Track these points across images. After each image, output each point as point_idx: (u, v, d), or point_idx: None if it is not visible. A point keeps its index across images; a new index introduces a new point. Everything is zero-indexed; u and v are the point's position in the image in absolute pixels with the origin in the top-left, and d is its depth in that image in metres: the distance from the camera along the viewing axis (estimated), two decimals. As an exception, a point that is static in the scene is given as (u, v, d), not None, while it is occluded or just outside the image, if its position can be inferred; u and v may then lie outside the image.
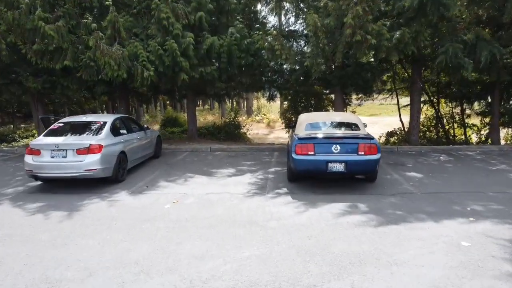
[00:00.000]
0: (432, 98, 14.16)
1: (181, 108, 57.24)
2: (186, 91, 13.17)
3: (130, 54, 9.90)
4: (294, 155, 6.50)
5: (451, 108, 15.14)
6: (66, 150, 6.69)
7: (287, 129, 14.97)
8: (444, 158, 9.51)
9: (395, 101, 16.40)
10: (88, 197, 6.32)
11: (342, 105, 12.11)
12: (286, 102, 15.01)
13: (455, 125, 14.84)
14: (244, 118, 29.43)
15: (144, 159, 8.94)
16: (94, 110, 19.00)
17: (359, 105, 14.05)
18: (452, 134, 14.54)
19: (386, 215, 5.14)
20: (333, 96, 14.24)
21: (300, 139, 6.54)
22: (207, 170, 8.37)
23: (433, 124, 14.91)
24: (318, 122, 7.36)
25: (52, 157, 6.66)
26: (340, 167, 6.28)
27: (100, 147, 6.84)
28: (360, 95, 13.06)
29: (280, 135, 22.13)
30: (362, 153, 6.33)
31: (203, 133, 15.20)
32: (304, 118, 7.68)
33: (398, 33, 9.13)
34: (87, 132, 7.27)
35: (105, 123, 7.51)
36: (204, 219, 5.09)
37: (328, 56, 9.85)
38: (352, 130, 7.15)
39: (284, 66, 11.68)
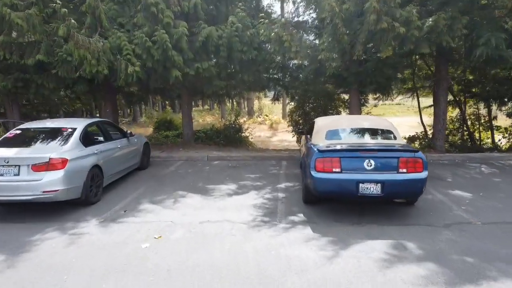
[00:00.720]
0: (457, 98, 12.65)
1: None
2: (181, 90, 11.65)
3: (112, 46, 8.40)
4: (313, 173, 4.99)
5: (475, 109, 13.64)
6: (19, 165, 5.17)
7: (295, 134, 13.41)
8: (487, 169, 7.99)
9: (407, 102, 14.96)
10: (43, 229, 4.80)
11: (358, 106, 10.61)
12: (292, 103, 13.48)
13: (480, 128, 13.33)
14: (245, 119, 27.95)
15: (127, 171, 7.44)
16: (73, 113, 17.37)
17: (375, 105, 12.55)
18: (478, 138, 13.03)
19: (452, 265, 3.62)
20: (345, 96, 12.75)
21: (321, 151, 5.03)
22: (202, 187, 6.86)
23: (455, 127, 13.40)
24: (342, 129, 5.83)
25: (1, 174, 5.15)
26: (375, 189, 4.77)
27: (64, 161, 5.32)
28: (377, 95, 11.55)
29: (284, 137, 20.61)
30: (404, 170, 4.82)
31: (200, 137, 13.66)
32: (323, 124, 6.15)
33: (430, 20, 7.61)
34: (50, 142, 5.75)
35: (74, 130, 5.99)
36: (194, 271, 3.58)
37: (346, 49, 8.33)
38: (387, 139, 5.63)
39: (293, 62, 10.14)
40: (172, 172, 8.11)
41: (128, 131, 7.67)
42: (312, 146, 5.55)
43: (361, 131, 5.77)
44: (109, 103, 11.22)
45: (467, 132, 12.88)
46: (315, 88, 11.31)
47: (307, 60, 8.77)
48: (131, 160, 7.54)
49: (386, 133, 5.72)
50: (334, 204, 5.57)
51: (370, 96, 12.06)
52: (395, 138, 5.62)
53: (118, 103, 14.22)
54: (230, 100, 22.49)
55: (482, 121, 13.38)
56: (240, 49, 9.25)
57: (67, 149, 5.54)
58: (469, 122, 13.24)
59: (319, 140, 5.65)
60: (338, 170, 4.90)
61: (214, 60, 9.75)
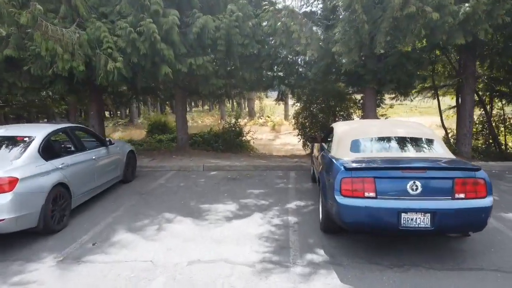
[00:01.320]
0: (483, 98, 11.41)
1: (190, 106, 54.49)
2: (174, 89, 10.43)
3: (91, 39, 7.17)
4: (338, 198, 3.75)
5: (498, 110, 12.41)
6: (-48, 188, 3.95)
7: (304, 140, 12.18)
8: (535, 183, 6.76)
9: (412, 101, 13.60)
10: (-25, 277, 3.57)
11: (374, 107, 9.36)
12: (298, 104, 12.25)
13: (506, 131, 12.09)
14: (245, 121, 26.74)
15: (105, 187, 6.20)
16: (65, 116, 16.11)
17: (391, 106, 11.31)
18: (504, 143, 11.79)
19: None
20: (357, 96, 11.52)
21: (348, 169, 3.79)
22: (195, 207, 5.62)
23: (478, 129, 12.15)
24: (370, 138, 4.57)
25: None
26: (423, 221, 3.53)
27: (13, 181, 4.09)
28: (395, 94, 10.31)
29: (287, 140, 19.38)
30: (462, 195, 3.58)
31: (197, 141, 12.42)
32: (346, 131, 4.89)
33: (467, 5, 6.37)
34: (-2, 155, 4.52)
35: (31, 139, 4.75)
36: None
37: (364, 40, 7.10)
38: (431, 151, 4.39)
39: (302, 57, 8.89)
40: (161, 186, 6.87)
41: (107, 138, 6.41)
42: (333, 160, 4.31)
43: (396, 141, 4.51)
44: (94, 104, 9.98)
45: (492, 137, 11.64)
46: (325, 87, 10.07)
47: (318, 54, 7.52)
48: (110, 173, 6.31)
49: (428, 144, 4.47)
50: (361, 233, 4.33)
51: (386, 96, 10.82)
52: (440, 149, 4.38)
53: (112, 104, 12.97)
54: (230, 101, 21.24)
55: (507, 123, 12.14)
56: (240, 42, 8.02)
57: (18, 165, 4.30)
58: (493, 124, 12.00)
59: (343, 152, 4.41)
60: (372, 194, 3.66)
61: (212, 56, 8.50)
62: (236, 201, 5.88)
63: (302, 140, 12.54)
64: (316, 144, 6.66)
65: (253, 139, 12.64)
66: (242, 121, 20.30)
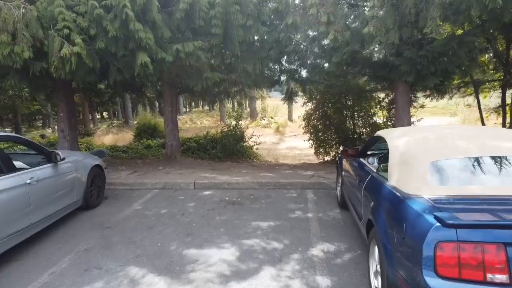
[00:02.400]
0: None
1: (190, 107, 52.47)
2: (162, 86, 8.64)
3: (43, 15, 5.36)
4: (430, 279, 1.95)
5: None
6: None
7: (316, 145, 10.40)
8: None
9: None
10: None
11: (408, 107, 7.55)
12: (310, 104, 10.42)
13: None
14: (247, 122, 24.91)
15: (50, 221, 4.39)
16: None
17: (422, 106, 9.48)
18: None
19: None
20: (380, 94, 9.70)
21: (450, 225, 1.96)
22: (176, 254, 3.81)
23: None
24: (464, 159, 2.69)
25: None
26: None
27: None
28: (430, 92, 8.48)
29: (294, 143, 17.56)
30: None
31: (191, 147, 10.64)
32: (414, 145, 2.96)
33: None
34: None
35: None
36: None
37: (409, 17, 5.28)
38: None
39: (319, 44, 7.02)
40: (134, 215, 5.06)
41: (56, 151, 4.58)
42: (403, 197, 2.50)
43: (507, 164, 2.67)
44: (63, 105, 8.17)
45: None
46: (345, 82, 8.26)
47: (343, 37, 5.71)
48: (60, 200, 4.49)
49: None
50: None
51: (419, 93, 8.97)
52: None
53: (89, 104, 11.16)
54: (231, 101, 19.32)
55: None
56: (241, 23, 6.22)
57: None
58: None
59: (417, 182, 2.56)
60: (503, 279, 1.86)
61: (205, 42, 6.68)
62: (236, 242, 4.07)
63: (314, 145, 10.72)
64: (344, 159, 4.85)
65: (256, 144, 10.82)
66: (243, 123, 18.56)
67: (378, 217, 2.76)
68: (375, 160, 4.25)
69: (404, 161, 2.80)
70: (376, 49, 5.89)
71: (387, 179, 2.96)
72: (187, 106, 54.94)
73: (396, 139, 3.20)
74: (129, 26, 5.39)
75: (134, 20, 5.40)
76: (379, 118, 9.89)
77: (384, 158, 3.94)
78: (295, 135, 20.26)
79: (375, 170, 3.41)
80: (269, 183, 6.44)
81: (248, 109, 29.70)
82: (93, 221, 4.84)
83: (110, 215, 5.04)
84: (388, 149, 3.29)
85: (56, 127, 23.43)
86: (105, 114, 43.04)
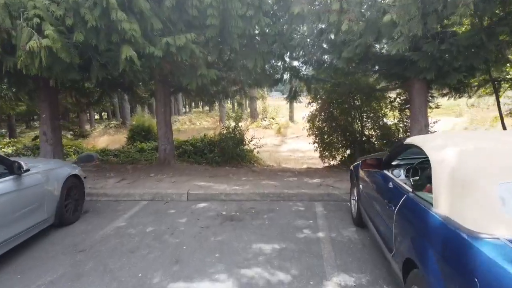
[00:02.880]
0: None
1: (190, 107, 51.62)
2: (154, 84, 7.92)
3: (11, 2, 4.64)
4: None
5: None
6: None
7: (321, 149, 9.71)
8: None
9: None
10: None
11: (425, 108, 6.82)
12: (314, 104, 9.69)
13: None
14: (247, 123, 24.18)
15: (13, 244, 3.66)
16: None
17: (437, 106, 8.73)
18: None
19: None
20: (391, 94, 8.97)
21: None
22: (158, 291, 3.09)
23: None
24: None
25: None
26: None
27: None
28: (448, 90, 7.74)
29: (296, 145, 16.86)
30: None
31: (187, 151, 9.91)
32: (472, 160, 2.14)
33: None
34: None
35: None
36: None
37: (436, 6, 4.56)
38: None
39: (328, 37, 6.27)
40: (115, 235, 4.32)
41: (20, 161, 3.84)
42: (467, 237, 1.76)
43: None
44: (45, 105, 7.45)
45: None
46: (356, 80, 7.54)
47: (358, 27, 4.98)
48: (23, 219, 3.76)
49: None
50: None
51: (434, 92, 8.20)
52: None
53: (75, 105, 10.44)
54: (230, 101, 18.48)
55: None
56: (241, 13, 5.49)
57: None
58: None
59: (484, 214, 1.82)
60: None
61: (200, 35, 5.96)
62: (233, 272, 3.34)
63: (319, 149, 10.00)
64: (361, 171, 4.12)
65: (257, 147, 10.09)
66: (243, 124, 17.85)
67: (426, 259, 2.03)
68: (401, 172, 3.53)
69: (459, 182, 2.06)
70: (392, 42, 5.14)
71: (431, 204, 2.23)
72: (187, 106, 54.25)
73: (439, 150, 2.46)
74: (111, 15, 4.67)
75: (116, 9, 4.67)
76: (390, 119, 9.17)
77: (415, 171, 3.22)
78: (297, 136, 19.56)
79: (411, 190, 2.67)
80: (272, 193, 5.70)
81: (249, 110, 28.96)
82: (66, 242, 4.11)
83: (87, 234, 4.31)
84: (426, 161, 2.57)
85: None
86: (104, 114, 42.38)
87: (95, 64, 5.61)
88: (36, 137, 23.21)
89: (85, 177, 5.09)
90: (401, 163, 3.63)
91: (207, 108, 45.71)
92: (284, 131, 21.03)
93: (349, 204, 5.13)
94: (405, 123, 8.71)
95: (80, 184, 4.93)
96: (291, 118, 25.58)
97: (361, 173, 4.14)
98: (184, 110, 49.85)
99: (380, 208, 3.17)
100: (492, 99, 10.51)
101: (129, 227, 4.53)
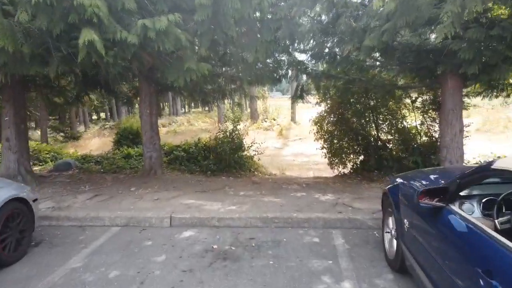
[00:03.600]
0: None
1: (189, 107, 50.36)
2: (138, 80, 6.78)
3: None
4: None
5: None
6: None
7: (330, 155, 8.58)
8: None
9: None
10: None
11: (460, 108, 5.66)
12: (323, 105, 8.53)
13: None
14: (247, 124, 23.01)
15: None
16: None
17: (466, 108, 7.56)
18: None
19: None
20: (412, 93, 7.78)
21: None
22: None
23: None
24: None
25: None
26: None
27: None
28: (484, 88, 6.58)
29: (299, 148, 15.71)
30: None
31: (179, 157, 8.76)
32: None
33: None
34: None
35: None
36: None
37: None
38: None
39: (349, 23, 5.08)
40: (64, 284, 3.16)
41: None
42: None
43: None
44: (9, 105, 6.31)
45: None
46: (372, 78, 6.38)
47: (395, 4, 3.84)
48: None
49: None
50: None
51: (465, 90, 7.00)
52: None
53: (47, 106, 9.27)
54: (228, 100, 17.04)
55: None
56: (238, -10, 4.33)
57: None
58: None
59: None
60: None
61: (191, 17, 4.80)
62: None
63: (328, 155, 8.84)
64: (402, 198, 2.97)
65: (258, 153, 8.93)
66: (243, 126, 16.67)
67: None
68: (475, 207, 2.37)
69: None
70: (445, 23, 3.97)
71: None
72: (186, 106, 53.02)
73: None
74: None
75: (72, -21, 3.52)
76: (408, 121, 7.98)
77: (500, 206, 2.07)
78: (300, 139, 18.41)
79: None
80: (277, 218, 4.53)
81: (249, 110, 27.78)
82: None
83: (26, 283, 3.15)
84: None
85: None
86: (102, 115, 41.19)
87: (55, 55, 4.44)
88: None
89: (35, 200, 3.93)
90: (472, 193, 2.47)
91: (207, 108, 44.56)
92: (286, 133, 19.86)
93: (377, 234, 3.97)
94: (430, 127, 7.55)
95: (27, 211, 3.76)
96: (293, 119, 24.39)
97: (402, 200, 2.98)
98: (183, 110, 48.68)
99: (456, 266, 2.01)
100: (498, 100, 9.29)
101: (86, 271, 3.37)
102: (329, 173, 10.41)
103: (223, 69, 7.06)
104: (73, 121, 22.24)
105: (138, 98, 6.91)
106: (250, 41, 5.43)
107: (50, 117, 25.26)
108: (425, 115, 7.62)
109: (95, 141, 19.73)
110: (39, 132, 23.33)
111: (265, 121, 23.28)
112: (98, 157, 9.29)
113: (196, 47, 5.39)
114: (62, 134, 20.74)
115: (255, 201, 5.30)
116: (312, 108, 9.27)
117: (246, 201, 5.33)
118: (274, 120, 23.71)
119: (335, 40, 5.43)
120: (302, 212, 4.68)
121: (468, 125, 6.80)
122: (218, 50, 6.46)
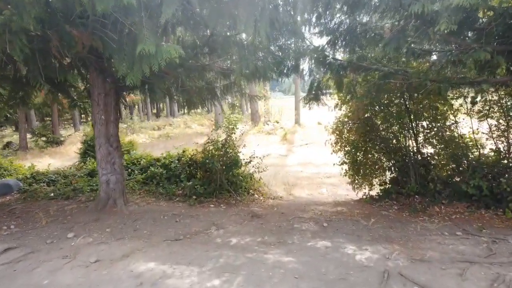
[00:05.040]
0: None
1: (183, 110, 48.35)
2: (89, 73, 4.77)
3: None
4: None
5: None
6: None
7: (352, 173, 6.63)
8: None
9: None
10: None
11: None
12: (344, 108, 6.53)
13: None
14: (247, 127, 20.97)
15: None
16: None
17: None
18: None
19: None
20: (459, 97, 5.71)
21: None
22: None
23: None
24: None
25: None
26: None
27: None
28: None
29: (307, 156, 13.64)
30: None
31: (156, 176, 6.74)
32: None
33: None
34: None
35: None
36: None
37: None
38: None
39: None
40: None
41: None
42: None
43: None
44: None
45: None
46: (423, 69, 4.35)
47: None
48: None
49: None
50: None
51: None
52: None
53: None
54: (219, 102, 14.42)
55: None
56: None
57: None
58: None
59: None
60: None
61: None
62: None
63: (349, 173, 6.83)
64: None
65: (258, 171, 6.90)
66: (241, 128, 14.66)
67: None
68: None
69: None
70: None
71: None
72: (185, 107, 50.98)
73: None
74: None
75: None
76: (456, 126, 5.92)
77: None
78: (307, 144, 16.37)
79: None
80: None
81: (250, 111, 25.72)
82: None
83: None
84: None
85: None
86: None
87: None
88: (8, 144, 20.02)
89: None
90: None
91: (207, 109, 42.51)
92: (291, 137, 17.79)
93: None
94: (493, 135, 5.49)
95: None
96: (297, 121, 22.35)
97: None
98: (181, 112, 46.65)
99: None
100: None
101: None
102: (344, 189, 8.42)
103: (208, 58, 5.03)
104: (55, 124, 20.24)
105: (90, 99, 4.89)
106: (247, 9, 3.41)
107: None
108: (482, 121, 5.56)
109: (79, 147, 17.72)
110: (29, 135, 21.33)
111: (267, 124, 21.22)
112: (55, 175, 7.26)
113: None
114: (44, 138, 18.74)
115: (254, 264, 3.27)
116: (318, 109, 7.23)
117: (239, 263, 3.31)
118: (277, 122, 21.63)
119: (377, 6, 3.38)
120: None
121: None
122: (200, 29, 4.45)
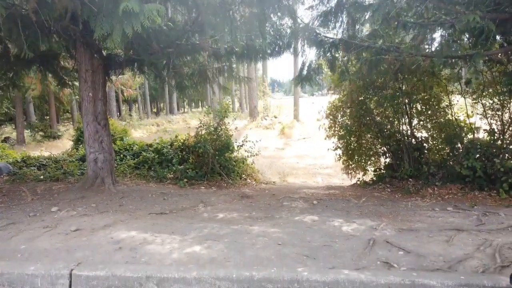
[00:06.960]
0: None
1: (189, 107, 48.00)
2: (76, 47, 4.71)
3: None
4: None
5: None
6: None
7: (346, 158, 6.56)
8: None
9: None
10: None
11: None
12: (340, 92, 6.46)
13: None
14: (245, 122, 20.93)
15: None
16: None
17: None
18: None
19: None
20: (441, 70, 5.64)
21: None
22: None
23: None
24: None
25: None
26: None
27: None
28: None
29: (304, 149, 13.56)
30: None
31: (148, 160, 6.68)
32: None
33: None
34: None
35: None
36: None
37: None
38: None
39: None
40: None
41: None
42: None
43: None
44: None
45: None
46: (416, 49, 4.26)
47: None
48: None
49: None
50: None
51: None
52: None
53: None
54: (210, 84, 13.97)
55: None
56: None
57: None
58: None
59: None
60: None
61: None
62: None
63: (343, 157, 6.76)
64: None
65: (252, 155, 6.84)
66: (238, 122, 14.59)
67: None
68: None
69: None
70: None
71: None
72: (186, 106, 50.88)
73: None
74: None
75: None
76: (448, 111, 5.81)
77: None
78: (304, 138, 16.30)
79: None
80: (271, 280, 2.41)
81: (248, 107, 25.71)
82: None
83: None
84: None
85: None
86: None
87: None
88: (6, 139, 19.96)
89: None
90: None
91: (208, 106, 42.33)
92: (288, 131, 17.70)
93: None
94: (487, 115, 5.40)
95: None
96: (296, 117, 22.28)
97: None
98: (182, 110, 46.63)
99: None
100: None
101: None
102: (340, 179, 8.34)
103: (197, 36, 4.95)
104: (53, 118, 20.19)
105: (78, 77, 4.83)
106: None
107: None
108: (484, 103, 5.48)
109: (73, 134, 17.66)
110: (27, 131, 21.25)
111: (265, 119, 21.14)
112: (47, 160, 7.21)
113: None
114: (41, 133, 18.69)
115: (238, 234, 3.19)
116: (317, 105, 7.16)
117: (223, 233, 3.23)
118: (275, 117, 21.56)
119: None
120: (317, 262, 2.57)
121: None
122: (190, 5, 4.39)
